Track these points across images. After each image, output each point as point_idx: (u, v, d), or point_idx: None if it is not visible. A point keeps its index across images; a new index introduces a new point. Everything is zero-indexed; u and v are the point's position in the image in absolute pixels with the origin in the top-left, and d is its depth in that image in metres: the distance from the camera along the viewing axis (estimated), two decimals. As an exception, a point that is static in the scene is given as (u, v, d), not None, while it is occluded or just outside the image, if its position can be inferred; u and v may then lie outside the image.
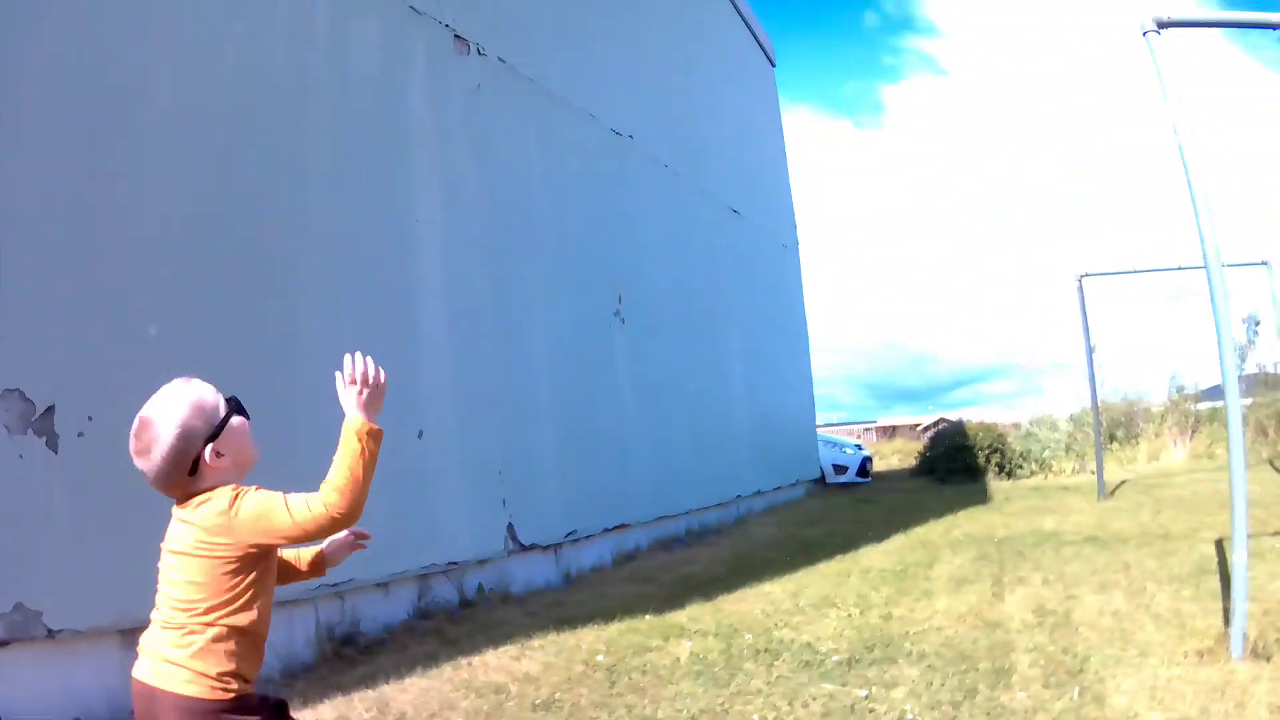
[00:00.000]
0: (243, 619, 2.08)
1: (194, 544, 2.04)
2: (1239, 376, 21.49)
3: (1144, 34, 4.68)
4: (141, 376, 2.44)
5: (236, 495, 2.07)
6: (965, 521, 11.27)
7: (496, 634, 5.49)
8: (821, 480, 18.04)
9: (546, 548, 7.44)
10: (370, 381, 2.24)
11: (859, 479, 19.18)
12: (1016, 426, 23.22)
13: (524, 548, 7.00)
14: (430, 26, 6.72)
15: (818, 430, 18.68)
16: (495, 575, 6.72)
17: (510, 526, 6.85)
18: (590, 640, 5.44)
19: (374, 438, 2.20)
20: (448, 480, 6.31)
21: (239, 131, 5.00)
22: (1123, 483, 16.05)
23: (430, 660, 4.89)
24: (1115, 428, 21.66)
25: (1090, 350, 14.34)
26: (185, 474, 2.10)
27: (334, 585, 5.10)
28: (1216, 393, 22.11)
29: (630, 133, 10.10)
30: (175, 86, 4.64)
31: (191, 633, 2.03)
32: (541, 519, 7.33)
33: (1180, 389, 21.80)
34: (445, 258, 6.60)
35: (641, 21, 11.40)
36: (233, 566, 2.06)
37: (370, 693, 4.30)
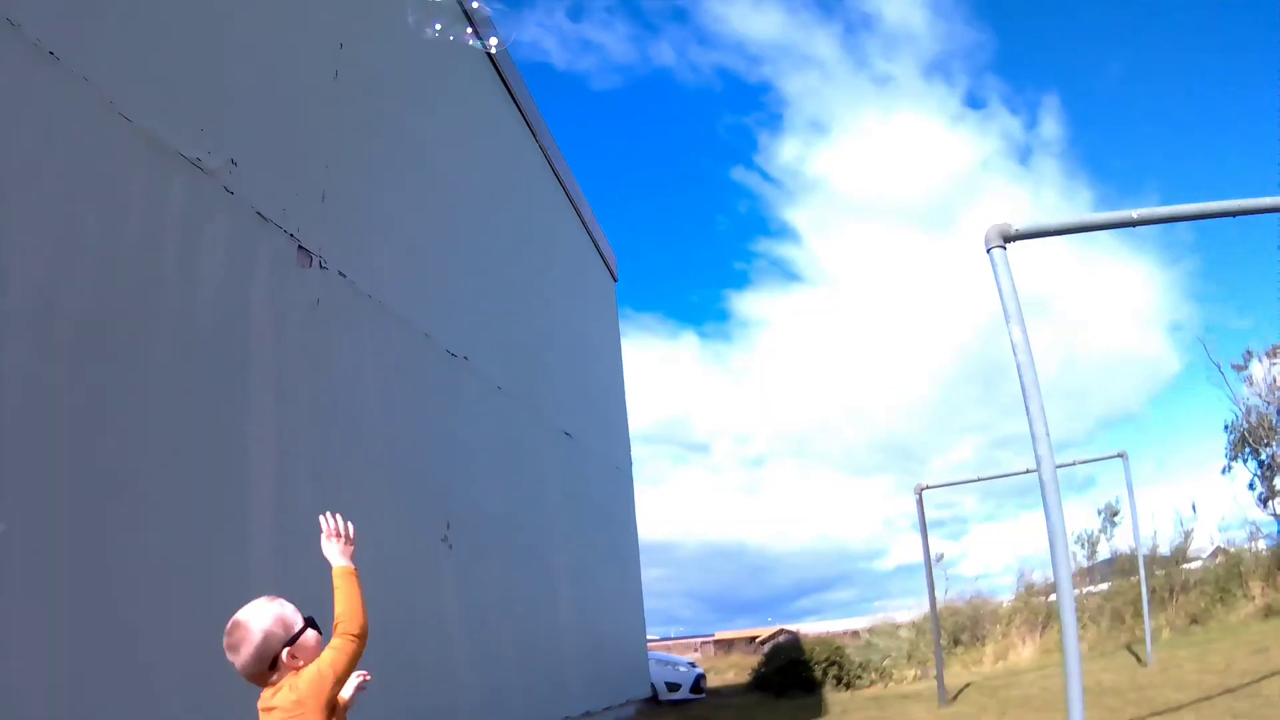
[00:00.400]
0: None
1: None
2: (1092, 564, 22.47)
3: (988, 250, 4.90)
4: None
5: (296, 674, 2.94)
6: None
7: None
8: (654, 699, 17.88)
9: (378, 771, 7.10)
10: (347, 536, 3.31)
11: (692, 696, 19.05)
12: (856, 636, 23.64)
13: (349, 771, 6.68)
14: (275, 235, 6.86)
15: (650, 647, 18.60)
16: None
17: (338, 748, 6.56)
18: None
19: (356, 575, 3.27)
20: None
21: (90, 327, 4.99)
22: (967, 685, 16.24)
23: None
24: (960, 631, 22.01)
25: (928, 559, 14.86)
26: (266, 668, 2.94)
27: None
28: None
29: (465, 354, 10.32)
30: (28, 279, 4.63)
31: None
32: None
33: (1029, 585, 22.61)
34: (278, 475, 6.50)
35: (486, 240, 11.84)
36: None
37: None
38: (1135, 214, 5.41)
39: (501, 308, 12.07)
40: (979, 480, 16.32)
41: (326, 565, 7.05)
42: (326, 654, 2.96)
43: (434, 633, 8.71)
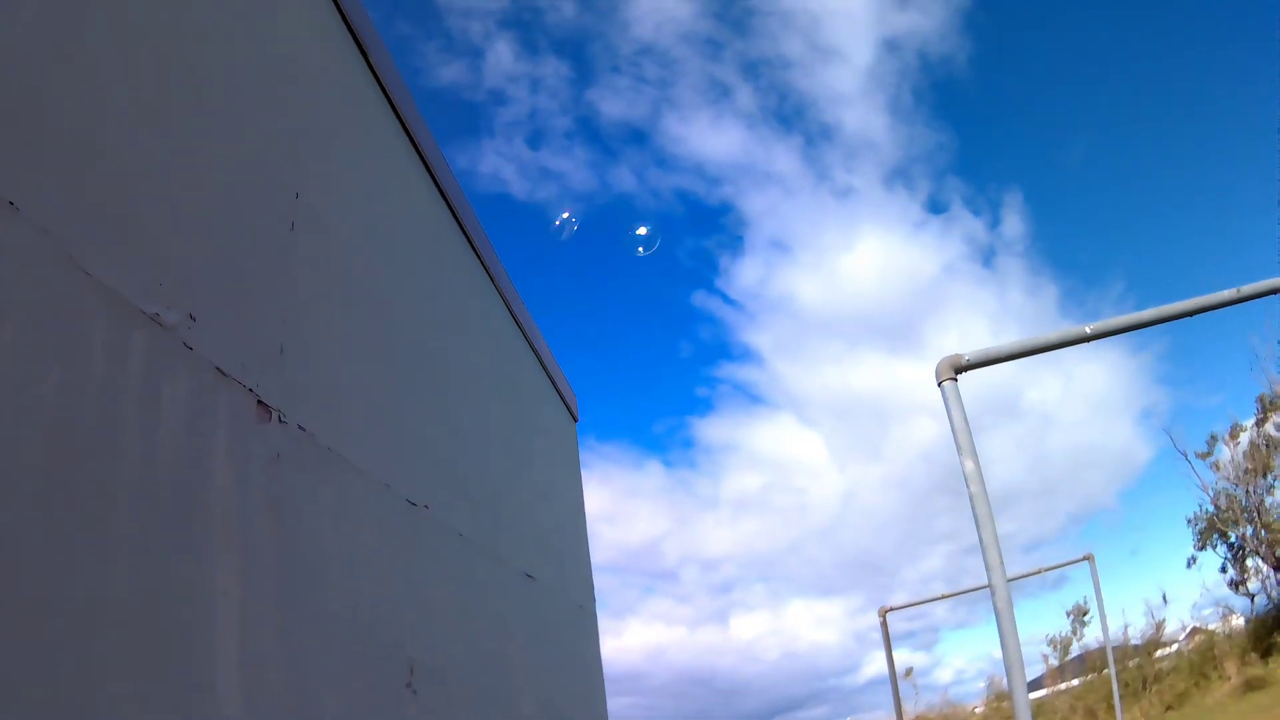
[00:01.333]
0: None
1: None
2: (1063, 663, 22.48)
3: (940, 384, 5.03)
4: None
5: None
6: None
7: None
8: None
9: None
10: None
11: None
12: None
13: None
14: (235, 390, 6.94)
15: None
16: None
17: None
18: None
19: None
20: None
21: (50, 486, 5.03)
22: None
23: None
24: None
25: (894, 679, 14.87)
26: None
27: None
28: (1037, 684, 23.11)
29: (425, 502, 10.34)
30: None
31: None
32: None
33: (999, 692, 22.52)
34: (242, 630, 6.50)
35: (445, 387, 11.94)
36: None
37: None
38: (1089, 329, 5.60)
39: (461, 454, 12.14)
40: (941, 598, 16.56)
41: (293, 714, 6.97)
42: None
43: (402, 789, 8.52)
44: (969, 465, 5.02)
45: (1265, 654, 18.89)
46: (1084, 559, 15.28)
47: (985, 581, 14.43)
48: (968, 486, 5.05)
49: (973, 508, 5.00)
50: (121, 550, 5.51)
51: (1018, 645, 4.79)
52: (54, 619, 4.95)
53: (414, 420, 10.72)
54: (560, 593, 15.65)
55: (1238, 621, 21.08)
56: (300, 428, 7.82)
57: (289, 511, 7.51)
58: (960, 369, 5.24)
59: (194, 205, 7.35)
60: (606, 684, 17.88)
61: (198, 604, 6.14)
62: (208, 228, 7.46)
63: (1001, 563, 4.98)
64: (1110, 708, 17.59)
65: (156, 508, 5.89)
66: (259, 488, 7.12)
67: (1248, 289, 6.34)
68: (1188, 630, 22.47)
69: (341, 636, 7.98)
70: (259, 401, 7.20)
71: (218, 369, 6.72)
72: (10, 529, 4.84)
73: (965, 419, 5.12)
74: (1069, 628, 22.03)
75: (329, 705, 7.52)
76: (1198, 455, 21.03)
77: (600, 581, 18.62)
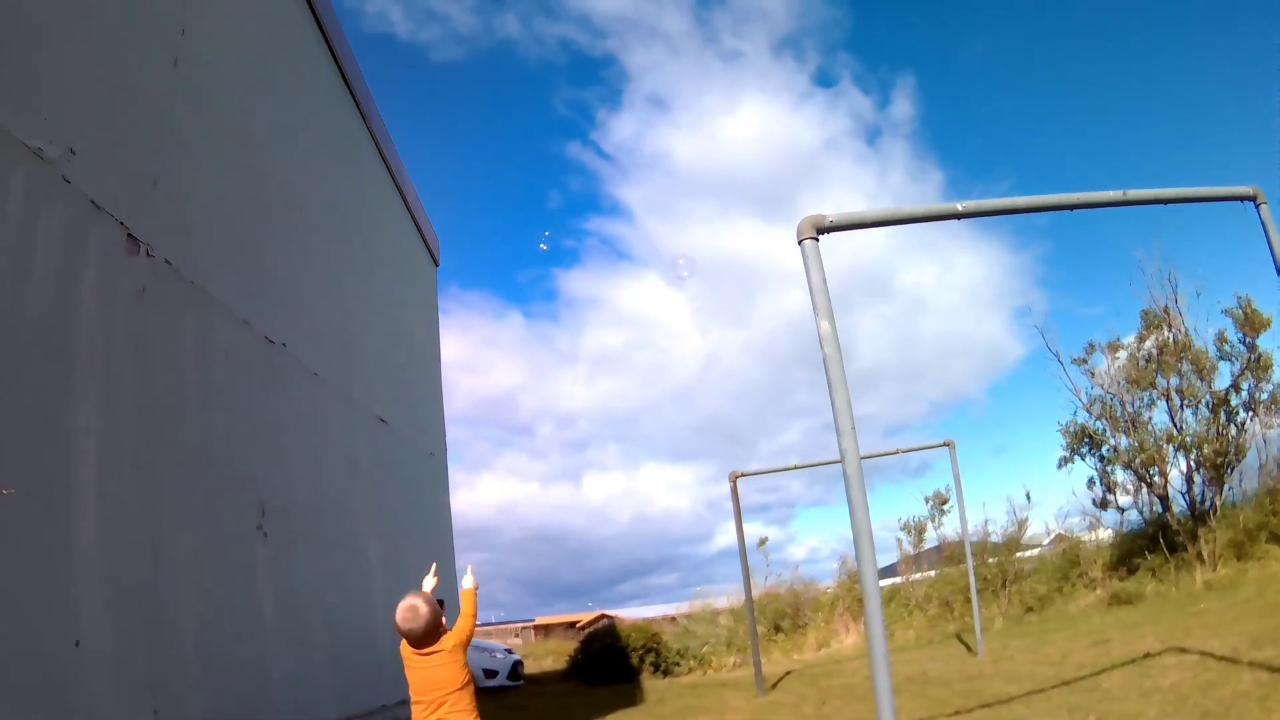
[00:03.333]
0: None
1: (446, 660, 5.46)
2: (918, 552, 22.54)
3: (800, 242, 4.99)
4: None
5: (449, 633, 5.62)
6: None
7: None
8: (471, 685, 18.13)
9: (195, 758, 7.39)
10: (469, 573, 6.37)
11: (510, 683, 19.45)
12: (675, 622, 24.12)
13: (174, 758, 6.97)
14: (107, 224, 7.07)
15: None
16: (148, 785, 6.65)
17: (159, 736, 6.84)
18: None
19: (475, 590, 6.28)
20: (103, 690, 6.30)
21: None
22: (787, 674, 16.64)
23: None
24: (781, 617, 22.54)
25: (743, 547, 15.12)
26: (435, 630, 5.48)
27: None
28: (891, 571, 23.67)
29: (283, 340, 10.56)
30: None
31: (461, 701, 5.47)
32: (189, 728, 7.32)
33: (852, 572, 22.32)
34: (100, 466, 6.72)
35: (310, 226, 12.05)
36: (461, 661, 5.49)
37: None
38: (960, 206, 5.58)
39: (320, 294, 12.30)
40: (794, 468, 16.48)
41: (147, 558, 7.28)
42: (465, 625, 5.89)
43: (247, 622, 8.99)
44: (824, 326, 4.76)
45: (1133, 570, 19.48)
46: (944, 445, 15.62)
47: (831, 461, 14.78)
48: (822, 348, 4.82)
49: (826, 371, 4.80)
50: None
51: (867, 514, 4.61)
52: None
53: (277, 259, 10.85)
54: (412, 438, 16.05)
55: (1105, 534, 21.75)
56: (167, 261, 7.97)
57: (151, 347, 7.72)
58: (822, 229, 4.93)
59: (78, 41, 7.33)
60: (457, 538, 18.47)
61: (58, 437, 6.39)
62: (91, 62, 7.47)
63: (853, 428, 4.76)
64: (966, 600, 17.71)
65: (23, 341, 6.09)
66: (123, 323, 7.30)
67: (1134, 193, 6.34)
68: (1052, 536, 23.15)
69: (197, 476, 8.30)
70: (129, 235, 7.33)
71: (92, 202, 6.83)
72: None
73: (824, 280, 4.83)
74: (927, 514, 22.54)
75: (181, 545, 7.88)
76: (1074, 361, 21.42)
77: (455, 432, 19.10)
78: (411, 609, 5.47)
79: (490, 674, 19.37)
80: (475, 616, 5.83)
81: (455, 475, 18.57)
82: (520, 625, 46.89)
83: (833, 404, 4.81)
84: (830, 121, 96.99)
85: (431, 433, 17.82)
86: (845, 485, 4.71)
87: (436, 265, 19.69)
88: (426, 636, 5.48)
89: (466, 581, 6.30)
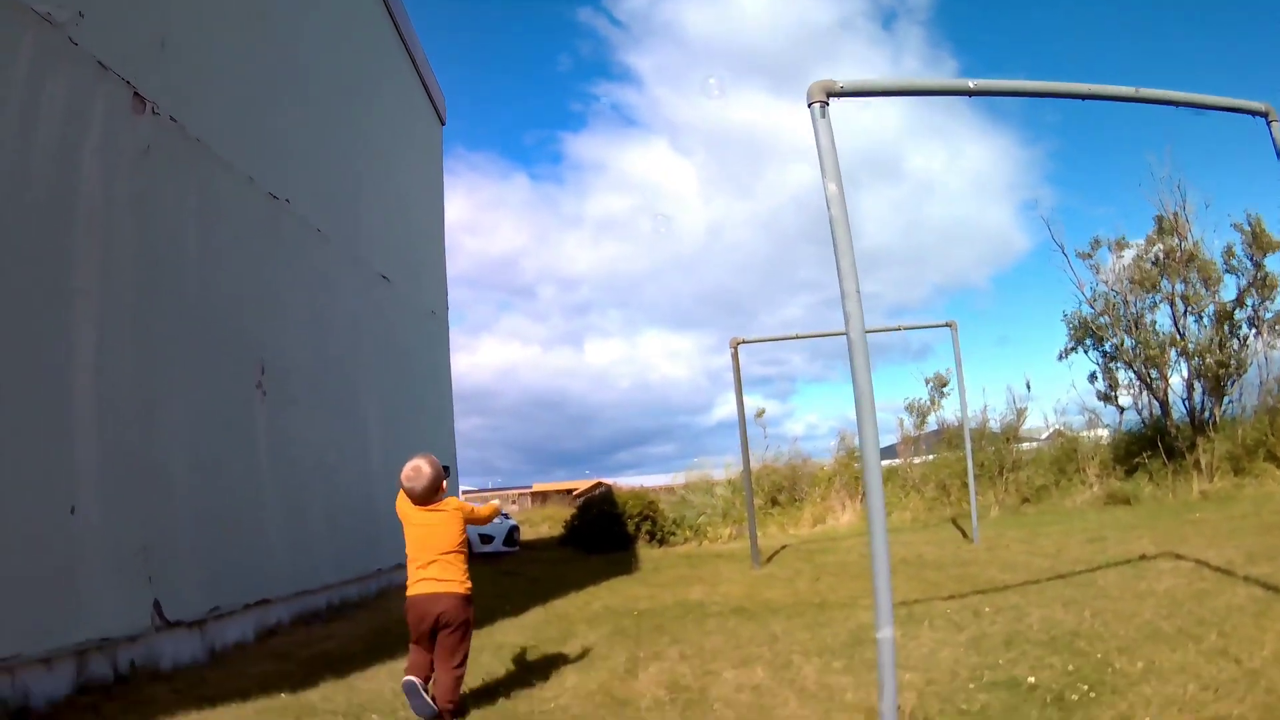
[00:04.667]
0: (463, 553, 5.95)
1: (451, 523, 5.90)
2: (919, 434, 22.54)
3: (810, 104, 4.90)
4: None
5: (455, 501, 6.12)
6: (607, 594, 11.78)
7: (146, 711, 5.75)
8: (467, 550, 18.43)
9: (191, 624, 7.65)
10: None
11: (505, 549, 19.79)
12: (672, 492, 24.00)
13: (170, 624, 7.22)
14: (113, 83, 7.01)
15: (466, 498, 19.05)
16: (145, 652, 6.91)
17: (156, 603, 7.06)
18: None
19: (494, 511, 6.88)
20: (97, 556, 6.48)
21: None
22: (783, 548, 16.73)
23: (85, 737, 5.06)
24: (778, 491, 22.54)
25: (743, 416, 14.99)
26: (436, 489, 5.91)
27: (3, 659, 5.30)
28: (890, 452, 23.75)
29: (287, 196, 10.49)
30: None
31: (455, 563, 5.88)
32: (186, 595, 7.56)
33: (851, 450, 22.06)
34: (99, 329, 6.80)
35: (315, 83, 11.86)
36: (460, 527, 5.95)
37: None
38: (972, 83, 5.43)
39: (325, 150, 12.16)
40: (797, 338, 16.09)
41: (144, 421, 7.30)
42: (475, 510, 6.44)
43: (244, 485, 9.20)
44: (831, 188, 4.73)
45: (1130, 471, 19.39)
46: (946, 325, 15.46)
47: (844, 329, 14.68)
48: (829, 209, 4.75)
49: (832, 231, 4.74)
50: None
51: (869, 379, 4.58)
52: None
53: (283, 117, 10.71)
54: (414, 297, 16.06)
55: (1103, 432, 21.58)
56: (172, 119, 7.91)
57: (154, 205, 7.71)
58: (833, 94, 4.84)
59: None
60: (457, 402, 18.58)
61: (61, 301, 6.41)
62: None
63: (858, 292, 4.74)
64: (963, 485, 17.72)
65: (27, 201, 6.06)
66: (126, 181, 7.27)
67: (1146, 91, 6.21)
68: (1050, 430, 23.03)
69: (197, 335, 8.36)
70: (135, 94, 7.26)
71: (99, 63, 6.76)
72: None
73: (832, 143, 4.79)
74: (928, 396, 22.45)
75: (179, 407, 7.98)
76: (1079, 254, 21.11)
77: (457, 294, 19.08)
78: (416, 468, 5.90)
79: (486, 539, 19.71)
80: (483, 519, 6.55)
81: (456, 338, 18.67)
82: (517, 491, 47.61)
83: (838, 266, 4.78)
84: (846, 1, 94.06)
85: (433, 291, 17.83)
86: (849, 350, 4.70)
87: (443, 124, 19.39)
88: (427, 495, 5.88)
89: (494, 508, 6.93)
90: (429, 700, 5.63)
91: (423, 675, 5.74)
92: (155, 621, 7.02)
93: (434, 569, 5.79)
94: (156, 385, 7.62)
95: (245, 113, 9.59)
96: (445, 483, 6.06)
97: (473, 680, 6.60)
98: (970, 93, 5.43)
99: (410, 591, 5.84)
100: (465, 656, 5.87)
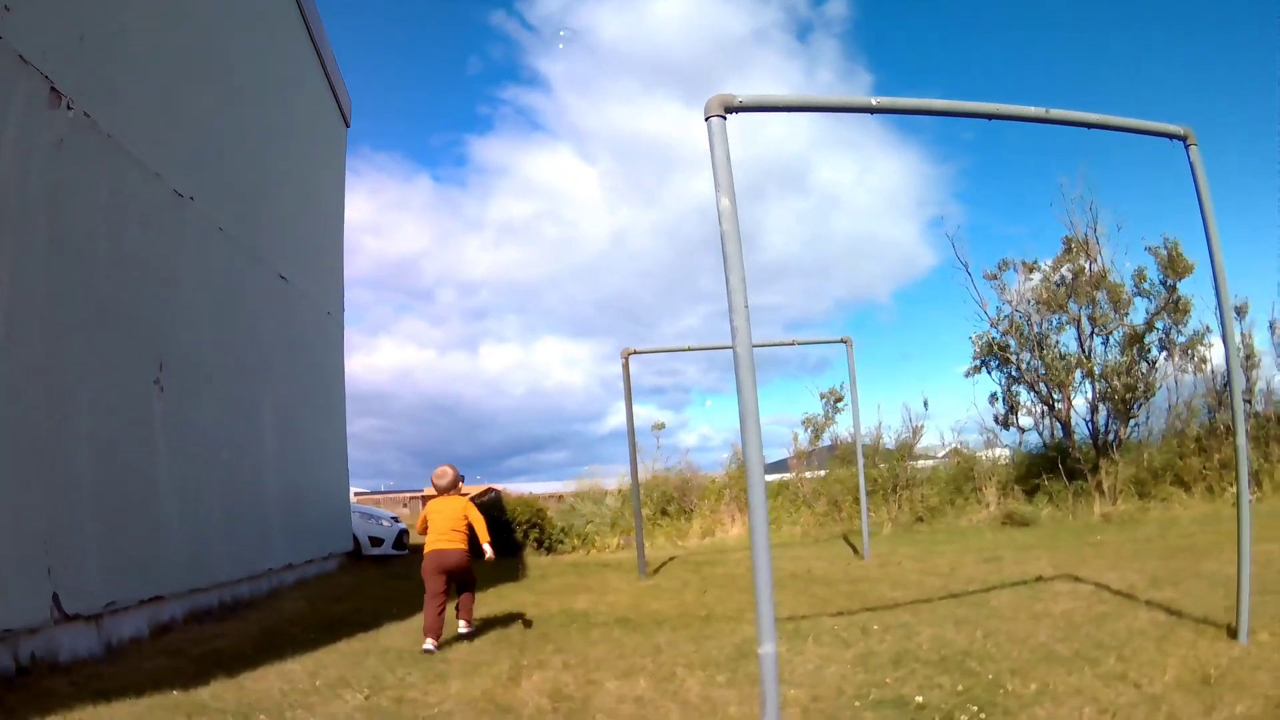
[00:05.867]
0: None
1: (461, 507, 9.11)
2: (813, 449, 22.65)
3: (707, 119, 4.93)
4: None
5: (466, 498, 9.55)
6: (493, 600, 11.81)
7: (44, 704, 5.75)
8: (357, 552, 18.60)
9: (89, 618, 7.63)
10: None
11: (395, 551, 19.62)
12: (561, 499, 24.10)
13: (68, 618, 7.20)
14: (33, 78, 7.03)
15: (359, 501, 18.91)
16: (45, 644, 6.91)
17: (55, 596, 7.04)
18: (124, 715, 5.72)
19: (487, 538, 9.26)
20: None
21: None
22: (671, 559, 16.93)
23: (-12, 728, 5.08)
24: (667, 502, 22.60)
25: (631, 426, 14.80)
26: (454, 487, 9.28)
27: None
28: (782, 466, 23.83)
29: (192, 194, 10.48)
30: None
31: (460, 531, 8.99)
32: (84, 589, 7.54)
33: (742, 463, 22.11)
34: (7, 319, 6.79)
35: (225, 82, 11.84)
36: (465, 516, 9.09)
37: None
38: (875, 100, 5.45)
39: (232, 150, 12.16)
40: (689, 350, 16.06)
41: (49, 412, 7.28)
42: (478, 519, 9.10)
43: (143, 480, 9.18)
44: (724, 202, 4.74)
45: (1030, 493, 19.42)
46: (841, 340, 15.63)
47: (725, 345, 14.77)
48: (720, 224, 4.77)
49: (723, 246, 4.75)
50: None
51: (754, 394, 4.60)
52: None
53: (193, 115, 10.77)
54: (311, 297, 16.04)
55: (1003, 451, 21.75)
56: (86, 115, 7.95)
57: (66, 199, 7.78)
58: (731, 108, 4.87)
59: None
60: (353, 403, 18.51)
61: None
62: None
63: (746, 307, 4.71)
64: (855, 501, 17.63)
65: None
66: (40, 175, 7.33)
67: (1057, 112, 6.19)
68: (947, 449, 23.25)
69: (103, 329, 8.41)
70: (52, 89, 7.30)
71: (20, 56, 6.75)
72: None
73: (728, 157, 4.82)
74: (822, 411, 22.61)
75: (83, 399, 7.99)
76: (986, 276, 21.47)
77: (356, 295, 19.00)
78: (443, 471, 9.28)
79: (376, 541, 19.47)
80: (479, 520, 9.08)
81: (355, 338, 18.61)
82: (409, 495, 46.90)
83: (727, 281, 4.82)
84: (761, 12, 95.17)
85: (331, 292, 17.75)
86: (735, 364, 4.71)
87: (348, 126, 19.35)
88: (447, 489, 9.25)
89: (488, 550, 9.13)
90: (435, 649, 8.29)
91: (436, 636, 8.36)
92: (54, 614, 7.01)
93: (447, 535, 8.96)
94: (63, 377, 7.62)
95: (157, 110, 9.59)
96: (461, 483, 9.59)
97: (359, 684, 6.76)
98: (873, 110, 5.50)
99: (430, 548, 8.93)
100: (474, 583, 9.43)
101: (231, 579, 11.20)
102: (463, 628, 8.89)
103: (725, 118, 4.93)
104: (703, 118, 4.93)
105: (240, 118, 12.50)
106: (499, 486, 31.86)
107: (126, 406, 8.90)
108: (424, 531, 9.02)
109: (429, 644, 8.12)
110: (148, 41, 9.40)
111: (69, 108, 7.60)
